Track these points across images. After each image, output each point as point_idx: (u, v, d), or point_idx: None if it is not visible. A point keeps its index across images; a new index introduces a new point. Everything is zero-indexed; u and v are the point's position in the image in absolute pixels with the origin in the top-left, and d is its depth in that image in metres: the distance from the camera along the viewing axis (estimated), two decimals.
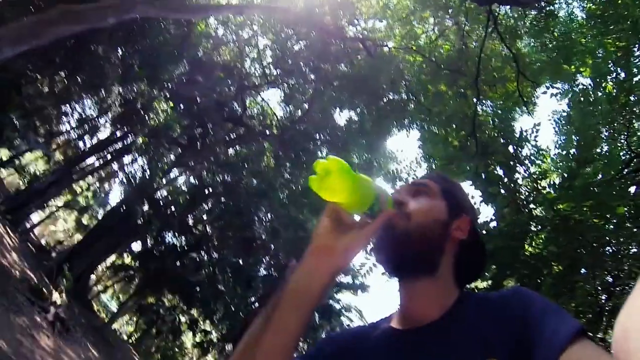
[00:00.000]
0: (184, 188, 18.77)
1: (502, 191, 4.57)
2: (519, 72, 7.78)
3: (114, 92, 12.79)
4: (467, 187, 4.69)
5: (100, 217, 20.84)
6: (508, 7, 8.95)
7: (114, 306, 24.57)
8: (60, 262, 13.76)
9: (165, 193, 17.96)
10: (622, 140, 4.81)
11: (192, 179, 18.35)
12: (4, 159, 16.01)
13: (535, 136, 4.67)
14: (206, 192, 17.04)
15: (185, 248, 17.05)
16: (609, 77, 5.77)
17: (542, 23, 8.16)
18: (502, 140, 5.43)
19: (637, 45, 5.60)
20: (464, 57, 10.13)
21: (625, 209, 3.12)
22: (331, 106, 14.83)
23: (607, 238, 3.26)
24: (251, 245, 15.71)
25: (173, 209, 16.86)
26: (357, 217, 0.88)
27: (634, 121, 4.92)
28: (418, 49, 11.56)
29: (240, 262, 16.24)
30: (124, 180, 18.35)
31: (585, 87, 6.67)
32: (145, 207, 15.34)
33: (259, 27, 15.42)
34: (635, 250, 3.25)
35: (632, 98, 4.83)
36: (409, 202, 0.92)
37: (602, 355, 0.60)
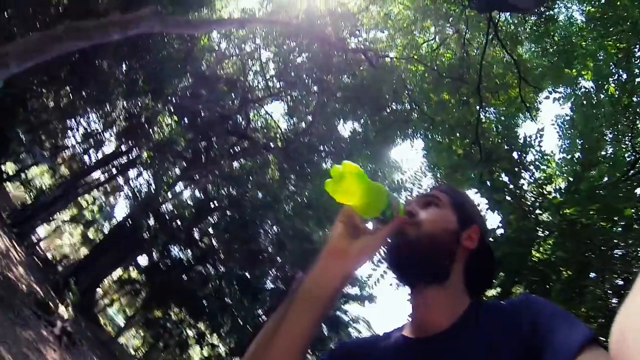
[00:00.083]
0: (189, 201, 18.81)
1: (508, 198, 4.53)
2: (520, 78, 7.80)
3: (119, 107, 12.95)
4: (473, 194, 4.67)
5: (106, 230, 20.90)
6: (508, 13, 9.00)
7: (120, 320, 24.50)
8: (67, 275, 13.77)
9: (170, 207, 17.99)
10: (627, 142, 4.78)
11: (197, 193, 18.42)
12: (10, 172, 16.17)
13: (539, 141, 4.65)
14: (211, 205, 17.06)
15: (192, 261, 17.00)
16: (610, 79, 5.76)
17: (542, 28, 8.20)
18: (506, 147, 5.41)
19: (637, 46, 5.60)
20: (465, 64, 10.16)
21: (633, 210, 3.08)
22: (335, 117, 14.87)
23: (616, 241, 3.22)
24: (257, 258, 15.67)
25: (179, 222, 16.88)
26: (370, 225, 0.92)
27: (637, 122, 4.89)
28: (420, 59, 11.61)
29: (247, 274, 16.17)
30: (130, 194, 18.47)
31: (587, 90, 6.69)
32: (151, 221, 15.38)
33: (262, 40, 15.57)
34: None
35: (634, 99, 4.81)
36: (419, 212, 0.95)
37: None
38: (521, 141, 4.92)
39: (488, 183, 4.69)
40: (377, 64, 12.53)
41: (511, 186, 4.70)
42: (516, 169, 4.79)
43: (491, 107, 9.69)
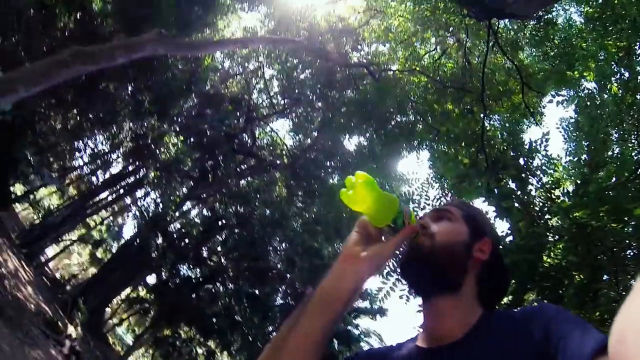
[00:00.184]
0: (197, 220, 18.85)
1: (516, 204, 4.48)
2: (523, 84, 7.79)
3: (125, 128, 13.13)
4: (481, 203, 4.64)
5: (114, 250, 20.98)
6: (507, 20, 9.03)
7: (129, 339, 24.43)
8: (75, 295, 13.80)
9: (178, 225, 18.05)
10: (633, 141, 4.72)
11: (205, 211, 18.47)
12: (19, 193, 16.36)
13: (545, 146, 4.62)
14: (219, 223, 17.07)
15: (200, 280, 16.95)
16: (613, 78, 5.75)
17: (541, 32, 8.23)
18: (512, 153, 5.37)
19: (638, 44, 5.57)
20: (467, 73, 10.19)
21: None
22: (340, 132, 14.93)
23: (627, 241, 3.16)
24: (267, 275, 15.58)
25: (187, 241, 16.89)
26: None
27: None
28: (422, 70, 11.67)
29: (257, 292, 16.06)
30: (137, 213, 18.56)
31: (590, 91, 6.68)
32: (159, 240, 15.39)
33: (265, 58, 15.77)
34: None
35: (638, 97, 4.76)
36: (432, 225, 0.99)
37: None
38: (527, 147, 4.88)
39: (495, 191, 4.64)
40: (380, 78, 12.60)
41: (519, 192, 4.64)
42: (523, 175, 4.73)
43: (495, 114, 9.67)
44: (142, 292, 19.34)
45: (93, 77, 10.50)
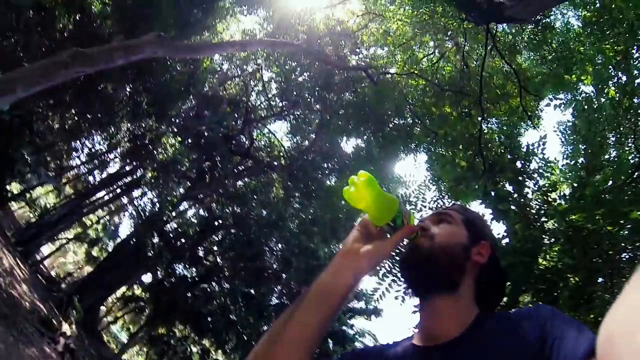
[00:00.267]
0: (193, 220, 18.81)
1: (513, 207, 4.49)
2: (521, 87, 7.82)
3: (123, 128, 13.10)
4: (477, 205, 4.66)
5: (110, 249, 20.91)
6: (505, 24, 9.08)
7: (124, 337, 24.36)
8: (71, 293, 13.74)
9: (175, 225, 18.01)
10: (630, 144, 4.75)
11: (201, 211, 18.43)
12: (16, 192, 16.28)
13: (542, 149, 4.62)
14: (216, 223, 17.05)
15: (196, 279, 16.93)
16: (610, 82, 5.78)
17: (539, 36, 8.27)
18: (509, 156, 5.38)
19: (635, 47, 5.61)
20: (465, 77, 10.23)
21: (639, 213, 3.04)
22: (338, 135, 14.93)
23: (623, 245, 3.18)
24: (262, 275, 15.58)
25: (183, 240, 16.86)
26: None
27: None
28: (420, 73, 11.69)
29: (252, 291, 16.06)
30: (134, 213, 18.50)
31: (588, 94, 6.70)
32: (156, 239, 15.37)
33: (263, 60, 15.78)
34: None
35: (635, 100, 4.80)
36: (432, 227, 1.01)
37: None
38: (524, 150, 4.89)
39: (492, 193, 4.65)
40: (378, 81, 12.62)
41: (516, 195, 4.66)
42: (520, 178, 4.75)
43: (493, 117, 9.71)
44: (138, 291, 19.31)
45: (92, 78, 10.49)
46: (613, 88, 5.61)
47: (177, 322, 16.95)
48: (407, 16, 11.72)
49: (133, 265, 15.76)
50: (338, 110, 14.22)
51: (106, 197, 18.86)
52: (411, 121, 12.89)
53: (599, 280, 3.23)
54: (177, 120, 14.76)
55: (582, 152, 4.73)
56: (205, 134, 14.50)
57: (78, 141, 14.28)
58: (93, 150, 15.79)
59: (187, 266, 16.98)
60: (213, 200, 16.57)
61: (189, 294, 16.41)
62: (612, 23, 6.06)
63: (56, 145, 13.04)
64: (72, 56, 6.99)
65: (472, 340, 0.85)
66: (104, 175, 17.81)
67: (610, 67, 5.96)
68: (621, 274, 3.04)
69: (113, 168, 18.10)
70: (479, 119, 8.21)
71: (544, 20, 8.07)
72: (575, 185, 4.13)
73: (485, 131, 8.30)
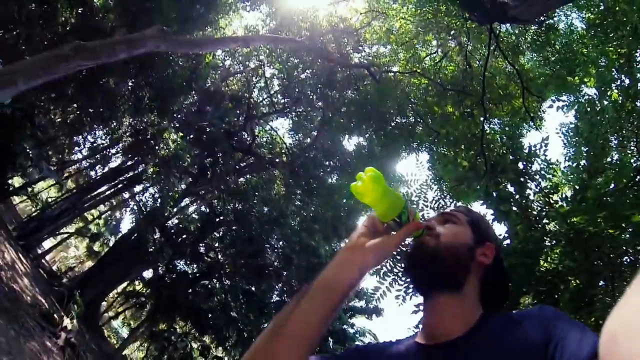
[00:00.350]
0: (195, 216, 18.83)
1: (514, 208, 4.49)
2: (523, 88, 7.80)
3: (125, 123, 13.10)
4: (479, 206, 4.65)
5: (111, 244, 20.95)
6: (508, 24, 9.05)
7: (124, 332, 24.44)
8: (72, 288, 13.78)
9: (176, 221, 18.03)
10: (632, 147, 4.74)
11: (203, 208, 18.45)
12: (17, 186, 16.31)
13: (545, 150, 4.62)
14: (217, 220, 17.05)
15: (197, 275, 16.94)
16: (613, 84, 5.77)
17: (543, 37, 8.24)
18: (511, 157, 5.37)
19: (638, 51, 5.59)
20: (468, 76, 10.20)
21: None
22: (339, 132, 14.91)
23: (624, 248, 3.17)
24: (263, 272, 15.59)
25: (184, 236, 16.86)
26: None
27: None
28: (423, 72, 11.67)
29: (253, 288, 16.08)
30: (135, 208, 18.53)
31: (590, 97, 6.69)
32: (157, 235, 15.38)
33: (266, 57, 15.75)
34: None
35: (638, 103, 4.78)
36: (438, 227, 1.03)
37: None
38: (526, 151, 4.88)
39: (494, 194, 4.65)
40: (380, 79, 12.60)
41: (517, 196, 4.65)
42: (522, 179, 4.74)
43: (495, 118, 9.68)
44: (139, 286, 19.35)
45: (94, 72, 10.47)
46: (616, 91, 5.60)
47: (177, 318, 16.98)
48: (410, 14, 11.69)
49: (134, 260, 15.79)
50: (340, 107, 14.20)
51: (108, 192, 18.90)
52: (413, 120, 12.86)
53: (600, 284, 3.23)
54: (179, 116, 14.75)
55: (584, 154, 4.72)
56: (207, 129, 14.49)
57: (80, 135, 14.32)
58: (95, 144, 15.85)
59: (188, 262, 16.99)
60: (214, 197, 16.58)
61: (189, 290, 16.42)
62: (615, 26, 6.04)
63: (58, 139, 13.08)
64: (74, 49, 6.98)
65: (475, 340, 0.85)
66: (106, 169, 17.86)
67: (614, 69, 5.95)
68: (622, 277, 3.04)
69: (115, 163, 18.18)
70: (482, 119, 8.18)
71: (547, 22, 8.04)
72: (577, 187, 4.12)
73: (488, 131, 8.29)
